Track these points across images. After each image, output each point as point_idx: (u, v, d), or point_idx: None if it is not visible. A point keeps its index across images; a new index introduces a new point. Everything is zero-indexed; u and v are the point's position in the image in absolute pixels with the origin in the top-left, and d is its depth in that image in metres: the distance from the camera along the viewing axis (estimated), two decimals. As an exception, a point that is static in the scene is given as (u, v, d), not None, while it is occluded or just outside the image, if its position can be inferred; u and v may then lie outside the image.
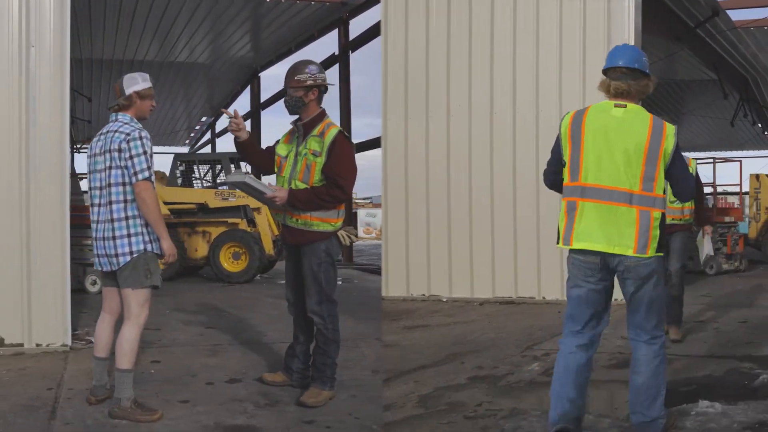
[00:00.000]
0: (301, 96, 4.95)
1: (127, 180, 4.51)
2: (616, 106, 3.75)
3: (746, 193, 17.11)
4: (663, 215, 3.74)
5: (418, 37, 9.81)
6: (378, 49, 10.07)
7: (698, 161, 16.25)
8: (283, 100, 5.05)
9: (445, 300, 9.56)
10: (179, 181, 14.30)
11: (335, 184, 4.84)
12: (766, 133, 23.79)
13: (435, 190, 9.76)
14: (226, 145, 32.23)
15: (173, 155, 15.19)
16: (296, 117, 5.05)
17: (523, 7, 9.34)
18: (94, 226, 4.67)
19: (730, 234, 14.10)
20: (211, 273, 13.32)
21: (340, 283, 12.19)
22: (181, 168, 14.45)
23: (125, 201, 4.53)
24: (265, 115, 29.15)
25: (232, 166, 13.99)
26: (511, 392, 5.07)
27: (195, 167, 14.75)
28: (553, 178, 3.97)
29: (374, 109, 10.23)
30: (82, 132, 23.37)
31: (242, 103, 29.89)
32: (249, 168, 9.64)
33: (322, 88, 5.02)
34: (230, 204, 13.36)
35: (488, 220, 9.51)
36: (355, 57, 17.37)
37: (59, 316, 6.47)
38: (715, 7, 12.57)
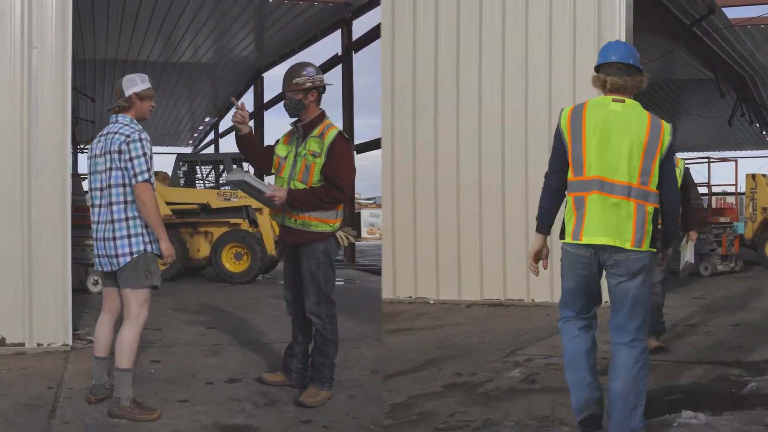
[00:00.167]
0: (300, 99, 4.98)
1: (127, 181, 4.54)
2: (614, 100, 3.75)
3: (742, 194, 16.89)
4: (656, 210, 3.74)
5: (407, 38, 9.71)
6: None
7: (693, 161, 16.22)
8: (282, 103, 5.08)
9: (432, 302, 9.42)
10: (181, 181, 14.33)
11: (334, 185, 4.87)
12: (764, 132, 23.71)
13: (422, 191, 9.62)
14: (229, 145, 32.24)
15: (176, 155, 15.23)
16: (296, 118, 5.09)
17: (512, 5, 9.24)
18: (94, 226, 4.70)
19: (726, 234, 13.85)
20: (213, 273, 13.35)
21: (342, 283, 12.31)
22: (183, 168, 14.47)
23: (125, 202, 4.56)
24: (269, 116, 29.25)
25: (234, 166, 14.01)
26: (487, 401, 4.88)
27: (197, 167, 14.78)
28: (559, 177, 3.81)
29: (377, 109, 10.19)
30: (85, 132, 23.48)
31: (246, 103, 29.91)
32: (251, 169, 9.66)
33: (321, 89, 5.05)
34: (232, 204, 13.39)
35: (476, 221, 9.36)
36: (358, 57, 17.43)
37: (60, 316, 6.51)
38: (710, 5, 12.49)
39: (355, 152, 5.56)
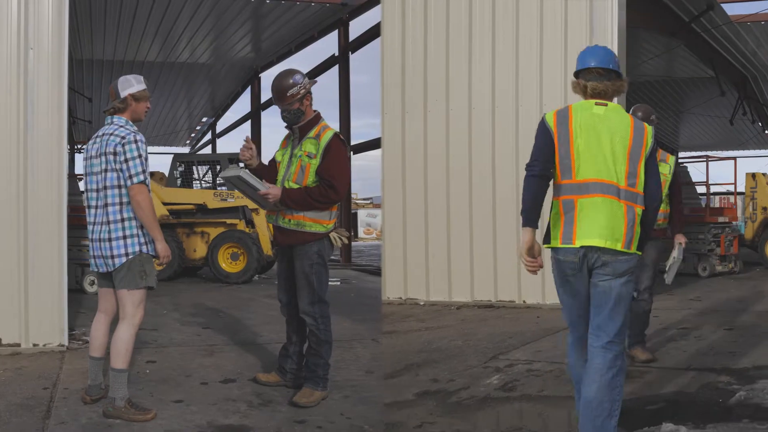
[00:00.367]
0: (298, 107, 5.00)
1: (122, 183, 4.56)
2: (597, 104, 3.76)
3: (741, 193, 16.63)
4: (643, 212, 3.72)
5: (396, 37, 9.71)
6: (378, 50, 10.09)
7: (691, 160, 16.12)
8: (281, 116, 5.08)
9: (422, 304, 9.34)
10: (178, 181, 14.35)
11: (328, 185, 4.90)
12: (766, 132, 23.61)
13: (412, 191, 9.57)
14: (226, 145, 32.30)
15: (173, 155, 15.24)
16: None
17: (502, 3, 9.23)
18: (90, 227, 4.71)
19: (724, 234, 13.49)
20: (209, 273, 13.38)
21: (338, 283, 12.32)
22: (180, 168, 14.50)
23: (121, 203, 4.58)
24: (266, 116, 29.18)
25: (230, 165, 14.03)
26: (458, 410, 4.73)
27: (194, 168, 14.80)
28: (542, 166, 3.68)
29: (375, 109, 10.21)
30: (83, 132, 23.45)
31: (243, 104, 29.93)
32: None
33: (310, 91, 5.08)
34: (229, 205, 13.41)
35: (467, 222, 9.30)
36: (355, 58, 17.47)
37: (56, 316, 6.52)
38: (709, 1, 12.37)
39: (351, 153, 5.58)
